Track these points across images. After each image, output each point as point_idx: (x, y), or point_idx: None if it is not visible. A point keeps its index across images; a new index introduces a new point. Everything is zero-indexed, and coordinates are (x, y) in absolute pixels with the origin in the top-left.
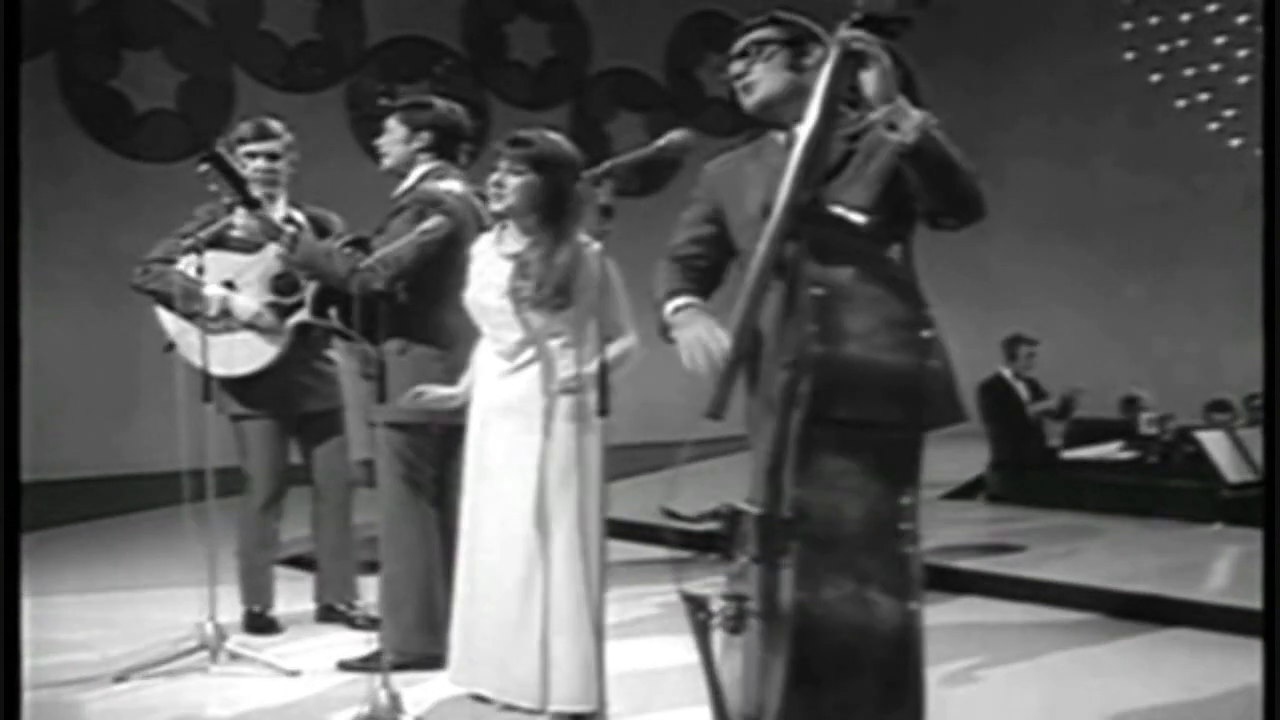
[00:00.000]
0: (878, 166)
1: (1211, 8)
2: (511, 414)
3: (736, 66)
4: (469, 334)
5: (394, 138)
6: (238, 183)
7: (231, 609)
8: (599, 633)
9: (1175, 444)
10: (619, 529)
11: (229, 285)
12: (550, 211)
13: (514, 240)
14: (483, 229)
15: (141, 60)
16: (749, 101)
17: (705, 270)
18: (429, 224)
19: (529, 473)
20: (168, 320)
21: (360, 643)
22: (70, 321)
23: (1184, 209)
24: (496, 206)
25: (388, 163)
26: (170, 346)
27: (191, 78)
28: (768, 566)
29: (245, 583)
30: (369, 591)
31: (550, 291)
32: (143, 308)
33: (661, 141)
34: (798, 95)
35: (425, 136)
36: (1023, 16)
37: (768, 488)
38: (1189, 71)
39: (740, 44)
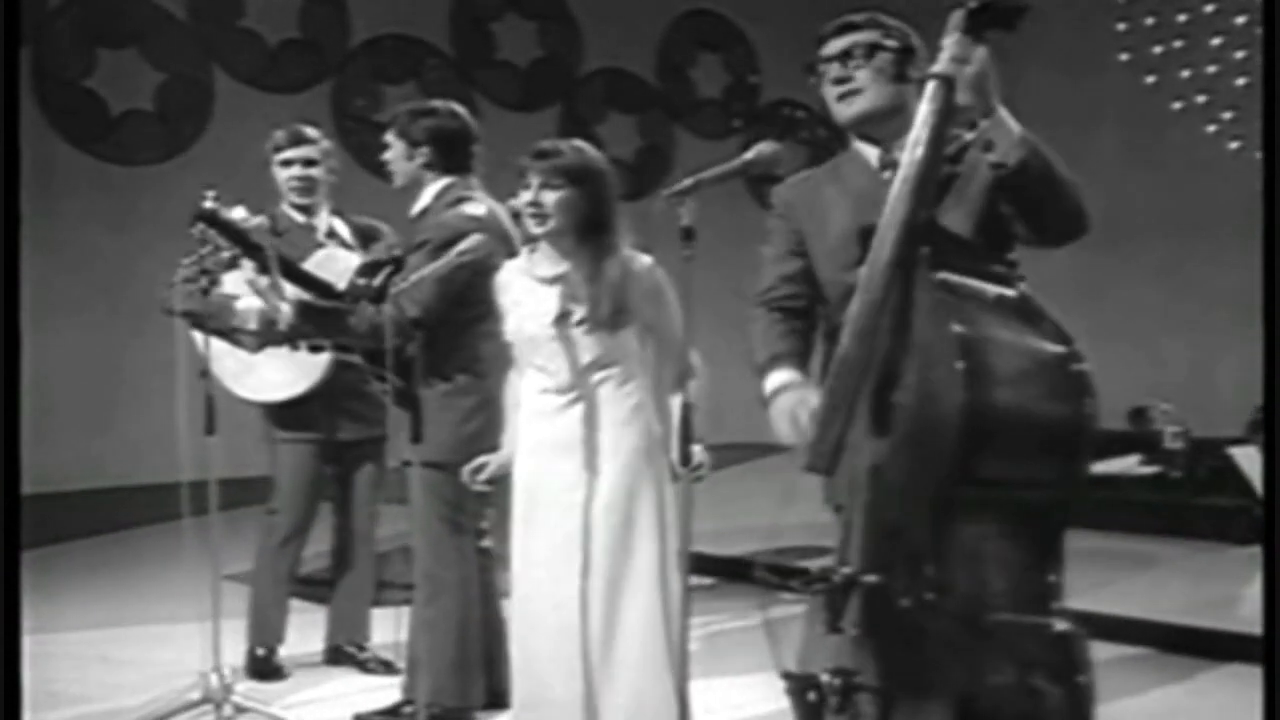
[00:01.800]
0: (979, 187)
1: (1209, 8)
2: (574, 452)
3: (834, 70)
4: (500, 363)
5: (395, 153)
6: (238, 236)
7: (236, 645)
8: (681, 689)
9: (1197, 458)
10: None
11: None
12: (589, 226)
13: (549, 263)
14: (510, 251)
15: (117, 59)
16: (847, 113)
17: (802, 312)
18: (466, 244)
19: (595, 514)
20: (202, 343)
21: (374, 689)
22: (63, 327)
23: (1182, 213)
24: (537, 230)
25: (397, 181)
26: (205, 373)
27: (170, 77)
28: (894, 643)
29: (255, 620)
30: (378, 631)
31: (607, 311)
32: (140, 316)
33: (749, 155)
34: (899, 111)
35: (426, 151)
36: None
37: (888, 553)
38: (1185, 73)
39: (842, 44)
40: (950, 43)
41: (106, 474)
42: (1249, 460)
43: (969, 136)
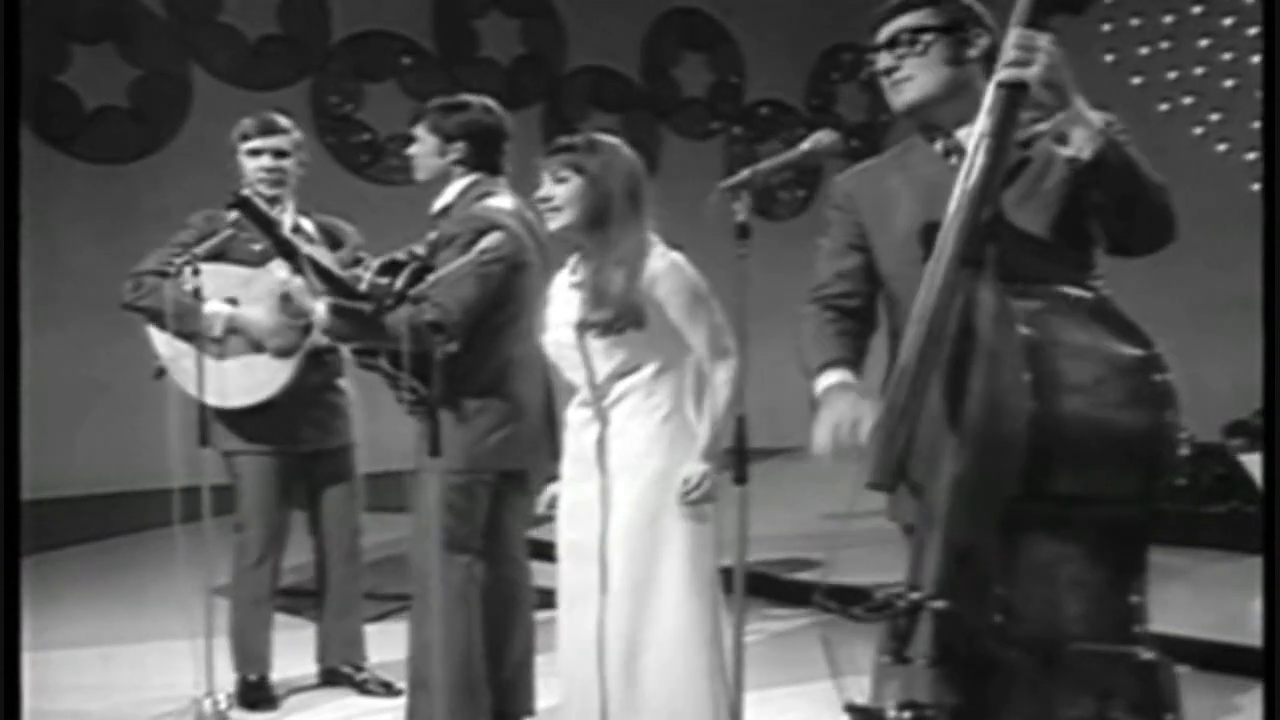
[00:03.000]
0: (1056, 181)
1: (1195, 10)
2: (601, 470)
3: (884, 59)
4: (529, 373)
5: (425, 149)
6: (269, 227)
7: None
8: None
9: (1202, 465)
10: None
11: (233, 304)
12: (597, 216)
13: (584, 268)
14: (541, 248)
15: (91, 54)
16: (899, 101)
17: (859, 311)
18: (487, 242)
19: (593, 531)
20: (160, 342)
21: (375, 713)
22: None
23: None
24: (554, 225)
25: (421, 176)
26: (161, 373)
27: (145, 73)
28: (966, 674)
29: (238, 646)
30: (378, 648)
31: (611, 311)
32: (116, 319)
33: (807, 145)
34: (960, 93)
35: (460, 147)
36: (996, 17)
37: (957, 577)
38: (1172, 75)
39: (887, 31)
40: (1013, 39)
41: (86, 480)
42: (1258, 467)
43: (1040, 128)
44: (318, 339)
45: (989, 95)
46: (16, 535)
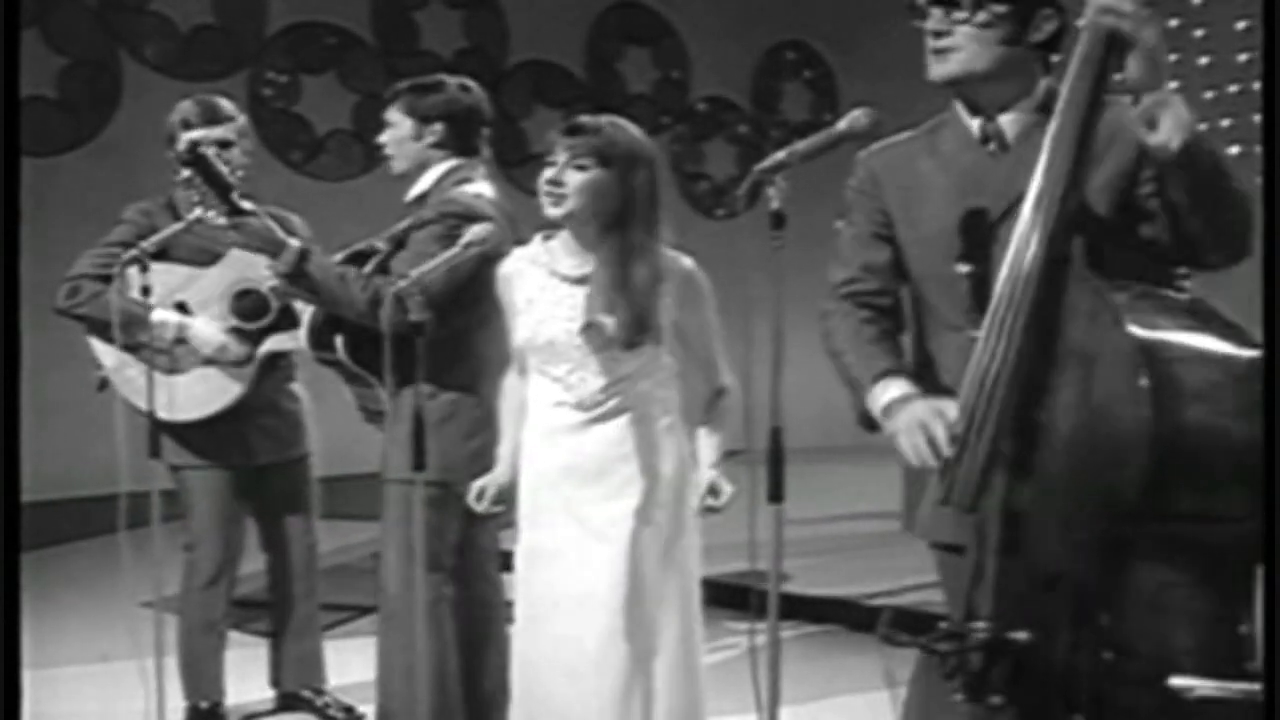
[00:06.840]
0: (1114, 170)
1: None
2: (596, 479)
3: (935, 19)
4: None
5: (399, 134)
6: (223, 188)
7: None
8: None
9: None
10: None
11: (180, 308)
12: (618, 218)
13: (573, 259)
14: (518, 241)
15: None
16: (939, 71)
17: (892, 309)
18: (473, 234)
19: (619, 552)
20: (102, 351)
21: None
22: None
23: None
24: (554, 211)
25: (398, 166)
26: (104, 384)
27: (72, 62)
28: (1057, 715)
29: (188, 672)
30: (337, 669)
31: (628, 321)
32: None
33: (843, 125)
34: (1010, 76)
35: (438, 129)
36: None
37: (1043, 608)
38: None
39: None
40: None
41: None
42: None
43: (1133, 112)
44: (270, 346)
45: (1077, 56)
46: (16, 539)
